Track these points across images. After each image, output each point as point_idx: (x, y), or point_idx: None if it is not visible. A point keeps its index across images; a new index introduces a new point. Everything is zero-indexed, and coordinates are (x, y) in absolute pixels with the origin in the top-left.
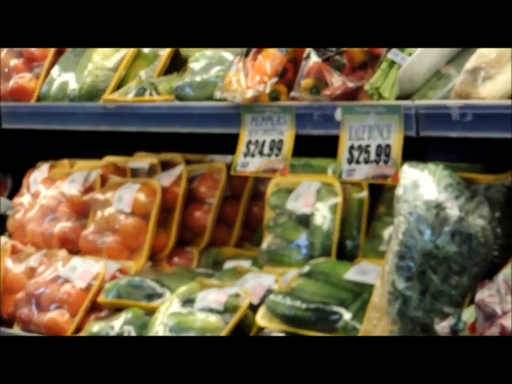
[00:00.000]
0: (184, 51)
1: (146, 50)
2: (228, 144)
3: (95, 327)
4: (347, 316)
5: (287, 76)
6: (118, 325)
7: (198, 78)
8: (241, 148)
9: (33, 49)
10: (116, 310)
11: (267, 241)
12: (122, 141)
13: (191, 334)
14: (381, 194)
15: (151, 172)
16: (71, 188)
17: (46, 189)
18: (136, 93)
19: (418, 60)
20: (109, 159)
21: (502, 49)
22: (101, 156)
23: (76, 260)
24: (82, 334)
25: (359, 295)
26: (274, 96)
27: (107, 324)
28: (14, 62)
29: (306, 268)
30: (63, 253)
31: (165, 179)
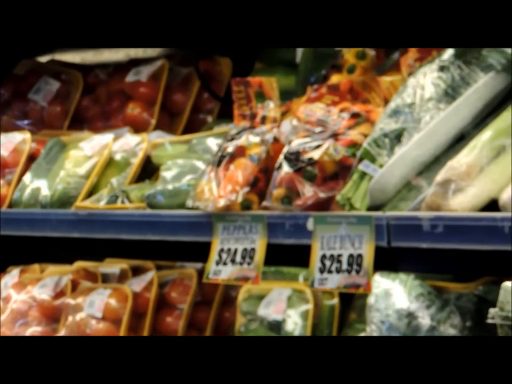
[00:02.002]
0: (155, 159)
1: (118, 157)
2: (199, 251)
3: None
4: None
5: (258, 185)
6: None
7: (170, 186)
8: (214, 256)
9: (5, 156)
10: None
11: None
12: (93, 247)
13: None
14: (352, 301)
15: (121, 277)
16: (42, 292)
17: (17, 293)
18: (108, 201)
19: (389, 171)
20: (80, 264)
21: (472, 162)
22: (71, 260)
23: None
24: None
25: None
26: (246, 205)
27: None
28: None
29: None
30: None
31: (136, 284)
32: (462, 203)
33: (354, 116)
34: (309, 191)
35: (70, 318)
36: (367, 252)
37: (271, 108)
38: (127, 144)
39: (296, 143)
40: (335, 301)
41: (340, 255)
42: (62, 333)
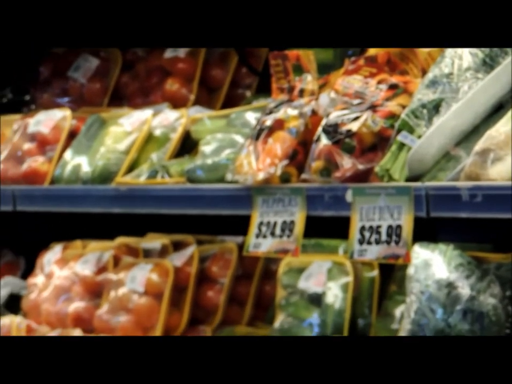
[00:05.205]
0: (194, 133)
1: (157, 133)
2: (238, 225)
3: None
4: None
5: (297, 158)
6: None
7: (209, 161)
8: (253, 229)
9: (46, 133)
10: None
11: (279, 320)
12: (134, 222)
13: None
14: (391, 273)
15: (163, 252)
16: (84, 268)
17: (60, 269)
18: (148, 176)
19: (428, 142)
20: (121, 240)
21: (511, 131)
22: (113, 236)
23: None
24: None
25: None
26: (285, 178)
27: None
28: (27, 145)
29: None
30: (77, 332)
31: (177, 259)
32: (501, 172)
33: (392, 87)
34: (347, 163)
35: (112, 293)
36: (406, 222)
37: (309, 81)
38: (166, 119)
39: (334, 115)
40: (375, 273)
41: (379, 226)
42: (104, 307)
